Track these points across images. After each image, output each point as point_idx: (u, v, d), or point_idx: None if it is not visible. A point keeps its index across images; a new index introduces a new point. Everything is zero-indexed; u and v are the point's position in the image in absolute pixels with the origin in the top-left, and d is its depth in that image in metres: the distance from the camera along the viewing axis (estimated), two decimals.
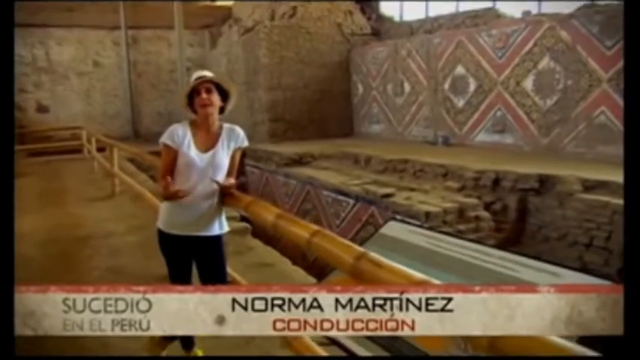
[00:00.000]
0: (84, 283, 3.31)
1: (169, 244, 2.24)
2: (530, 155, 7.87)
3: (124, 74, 16.28)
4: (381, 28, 13.29)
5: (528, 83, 8.22)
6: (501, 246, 6.01)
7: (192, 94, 2.20)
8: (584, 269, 5.58)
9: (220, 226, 2.28)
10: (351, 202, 7.35)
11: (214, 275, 2.25)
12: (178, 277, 2.25)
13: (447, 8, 11.47)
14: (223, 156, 2.25)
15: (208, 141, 2.24)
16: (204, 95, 2.15)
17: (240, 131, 2.33)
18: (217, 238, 2.28)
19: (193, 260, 2.29)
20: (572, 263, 5.58)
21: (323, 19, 12.70)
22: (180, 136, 2.19)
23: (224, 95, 2.25)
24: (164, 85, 17.11)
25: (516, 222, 6.15)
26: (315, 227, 1.48)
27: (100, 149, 8.17)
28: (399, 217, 5.74)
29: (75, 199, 6.20)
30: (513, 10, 9.93)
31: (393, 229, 1.88)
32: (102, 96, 16.37)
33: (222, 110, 2.26)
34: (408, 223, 1.86)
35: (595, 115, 7.21)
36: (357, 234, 7.27)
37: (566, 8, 8.14)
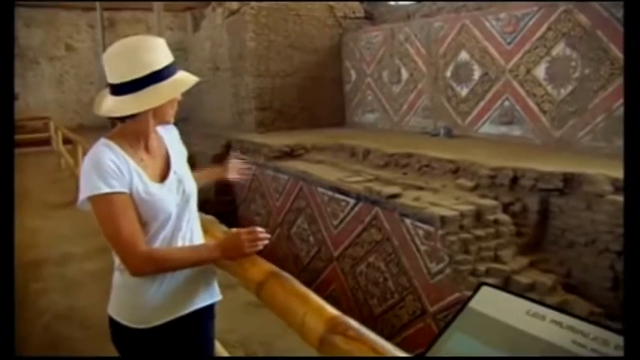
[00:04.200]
0: (27, 337, 2.59)
1: (149, 345, 1.40)
2: (544, 149, 7.29)
3: (99, 59, 15.16)
4: (374, 12, 12.54)
5: (540, 71, 7.60)
6: (522, 252, 5.45)
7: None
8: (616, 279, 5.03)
9: (213, 290, 1.55)
10: (352, 201, 6.68)
11: None
12: None
13: None
14: (188, 175, 1.49)
15: (158, 163, 1.43)
16: (170, 111, 1.41)
17: (172, 126, 1.53)
18: (210, 310, 1.54)
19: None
20: (603, 273, 5.03)
21: (314, 2, 11.90)
22: (124, 170, 1.33)
23: None
24: None
25: (537, 225, 5.56)
26: None
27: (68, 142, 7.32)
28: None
29: (34, 205, 5.39)
30: None
31: (491, 301, 1.19)
32: (76, 83, 15.36)
33: None
34: (509, 291, 1.18)
35: (616, 106, 6.63)
36: (358, 237, 6.63)
37: None
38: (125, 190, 1.30)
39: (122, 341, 1.46)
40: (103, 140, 1.37)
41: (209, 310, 1.54)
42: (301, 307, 0.99)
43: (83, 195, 1.30)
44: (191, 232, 1.46)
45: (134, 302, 1.40)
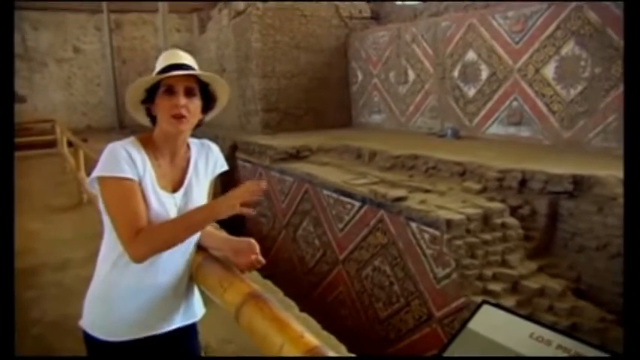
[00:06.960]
0: (17, 346, 2.53)
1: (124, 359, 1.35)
2: (553, 150, 7.15)
3: (107, 61, 15.33)
4: (381, 12, 12.43)
5: (549, 71, 7.46)
6: (530, 256, 5.33)
7: (156, 90, 1.35)
8: None
9: (193, 310, 1.47)
10: (357, 204, 6.60)
11: None
12: None
13: None
14: (200, 196, 1.42)
15: (176, 173, 1.40)
16: (182, 100, 1.31)
17: (215, 149, 1.50)
18: (190, 329, 1.46)
19: None
20: (615, 277, 4.90)
21: (319, 2, 11.82)
22: (139, 163, 1.31)
23: (207, 101, 1.41)
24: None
25: (546, 229, 5.44)
26: None
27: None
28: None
29: (35, 208, 5.36)
30: None
31: (492, 322, 1.11)
32: (84, 84, 15.43)
33: (197, 124, 1.42)
34: (511, 311, 1.10)
35: None
36: (363, 240, 6.54)
37: None
38: (135, 178, 1.29)
39: (96, 355, 1.39)
40: (130, 138, 1.38)
41: (190, 328, 1.47)
42: (279, 335, 0.92)
43: (94, 174, 1.32)
44: (186, 245, 1.39)
45: (103, 308, 1.35)
